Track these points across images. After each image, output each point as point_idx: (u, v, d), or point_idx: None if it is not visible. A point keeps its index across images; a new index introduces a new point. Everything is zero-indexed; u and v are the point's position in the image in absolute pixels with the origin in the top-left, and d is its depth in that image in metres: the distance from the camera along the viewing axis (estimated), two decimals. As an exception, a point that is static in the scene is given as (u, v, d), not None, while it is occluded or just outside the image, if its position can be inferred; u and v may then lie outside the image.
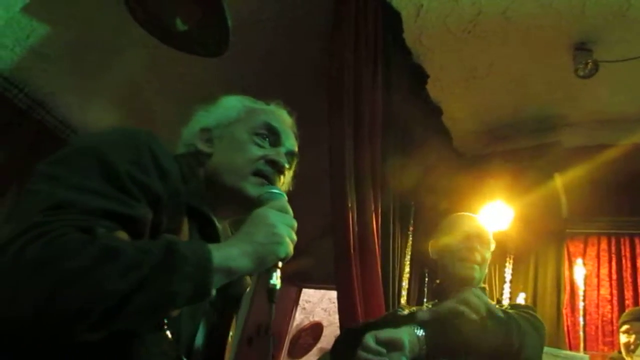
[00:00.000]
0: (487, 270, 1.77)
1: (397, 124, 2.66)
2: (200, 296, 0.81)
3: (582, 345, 3.07)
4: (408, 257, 2.99)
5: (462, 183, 3.29)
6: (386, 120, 2.44)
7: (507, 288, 3.47)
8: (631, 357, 2.53)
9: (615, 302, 3.23)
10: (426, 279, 3.20)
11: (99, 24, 2.83)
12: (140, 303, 0.72)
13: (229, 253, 0.86)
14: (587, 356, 2.35)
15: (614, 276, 3.30)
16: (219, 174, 1.06)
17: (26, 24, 2.84)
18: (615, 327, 3.05)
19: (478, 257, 1.70)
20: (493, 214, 3.29)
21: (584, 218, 3.51)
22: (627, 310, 2.88)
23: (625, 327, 2.63)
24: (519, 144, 3.50)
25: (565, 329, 3.27)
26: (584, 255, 3.46)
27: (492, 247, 1.80)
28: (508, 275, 3.51)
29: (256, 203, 1.00)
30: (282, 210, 0.97)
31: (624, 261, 3.32)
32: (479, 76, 3.16)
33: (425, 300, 2.96)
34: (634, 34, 2.70)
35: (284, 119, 1.19)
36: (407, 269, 2.98)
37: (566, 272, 3.43)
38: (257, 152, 1.09)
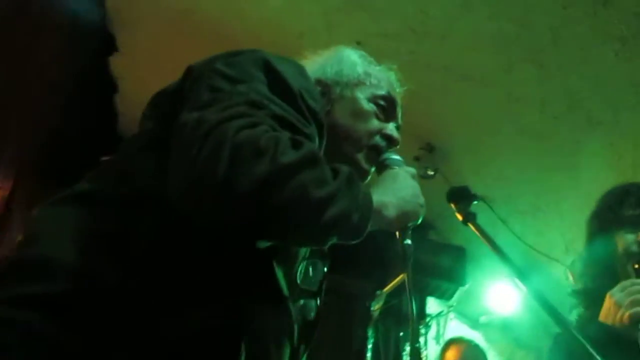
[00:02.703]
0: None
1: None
2: (357, 234, 0.84)
3: None
4: None
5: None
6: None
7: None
8: None
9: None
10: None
11: None
12: (326, 218, 0.77)
13: (382, 199, 0.92)
14: None
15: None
16: (335, 137, 1.06)
17: None
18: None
19: None
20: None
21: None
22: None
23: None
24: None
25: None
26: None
27: None
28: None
29: (379, 166, 1.11)
30: (414, 177, 1.05)
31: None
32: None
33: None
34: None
35: (398, 90, 1.23)
36: None
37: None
38: (377, 124, 1.14)
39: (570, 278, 3.33)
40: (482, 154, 3.33)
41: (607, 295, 1.40)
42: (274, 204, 0.74)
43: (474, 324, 4.02)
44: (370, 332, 3.41)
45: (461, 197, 1.36)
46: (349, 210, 0.81)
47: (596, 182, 3.15)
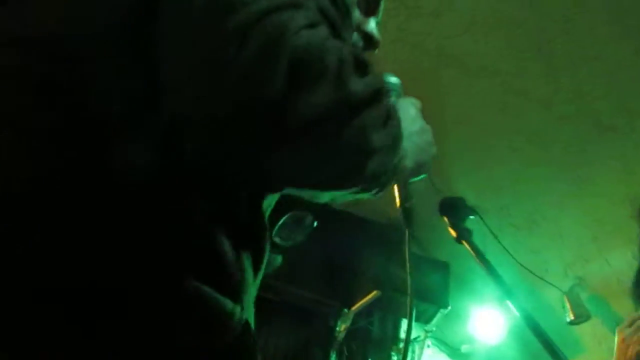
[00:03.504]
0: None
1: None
2: (381, 191, 0.79)
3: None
4: None
5: None
6: None
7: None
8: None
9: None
10: None
11: None
12: (369, 172, 0.70)
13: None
14: None
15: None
16: None
17: None
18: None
19: None
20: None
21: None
22: None
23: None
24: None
25: None
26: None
27: None
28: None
29: None
30: (420, 112, 0.94)
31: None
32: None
33: None
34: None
35: None
36: None
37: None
38: (357, 18, 0.99)
39: (568, 306, 3.37)
40: (474, 156, 3.20)
41: (617, 331, 1.42)
42: (328, 144, 0.64)
43: (454, 353, 3.93)
44: (332, 356, 3.37)
45: (455, 210, 1.33)
46: (390, 165, 0.74)
47: (603, 196, 3.15)
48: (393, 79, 1.04)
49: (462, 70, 2.84)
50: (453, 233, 1.28)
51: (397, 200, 1.11)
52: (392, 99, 0.84)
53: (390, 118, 0.72)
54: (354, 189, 0.74)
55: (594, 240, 3.19)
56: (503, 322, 3.54)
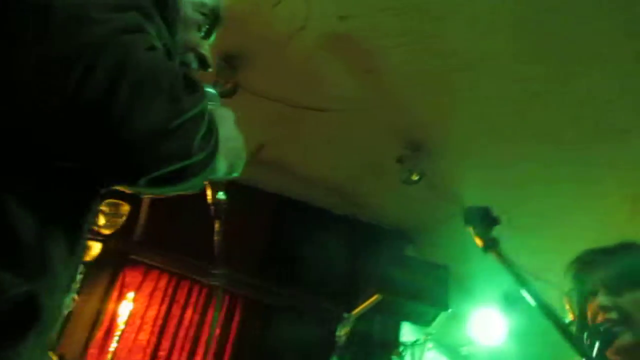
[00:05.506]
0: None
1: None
2: (194, 189, 0.92)
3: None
4: None
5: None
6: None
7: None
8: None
9: (149, 350, 3.48)
10: None
11: None
12: (194, 170, 0.83)
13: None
14: None
15: (159, 321, 3.56)
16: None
17: None
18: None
19: None
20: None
21: (151, 247, 3.70)
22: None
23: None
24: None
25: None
26: (138, 289, 3.59)
27: None
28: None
29: None
30: (235, 123, 1.03)
31: (174, 308, 3.63)
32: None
33: None
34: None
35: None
36: None
37: (112, 305, 3.50)
38: (195, 38, 1.10)
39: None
40: (480, 157, 3.25)
41: None
42: (160, 153, 0.76)
43: (455, 355, 4.01)
44: (333, 362, 3.35)
45: (481, 219, 1.33)
46: (208, 167, 0.87)
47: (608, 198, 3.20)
48: (212, 91, 1.12)
49: (474, 72, 2.83)
50: (479, 242, 1.28)
51: (210, 196, 1.25)
52: (212, 109, 0.95)
53: (211, 129, 0.85)
54: (176, 188, 0.86)
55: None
56: (503, 323, 3.55)
